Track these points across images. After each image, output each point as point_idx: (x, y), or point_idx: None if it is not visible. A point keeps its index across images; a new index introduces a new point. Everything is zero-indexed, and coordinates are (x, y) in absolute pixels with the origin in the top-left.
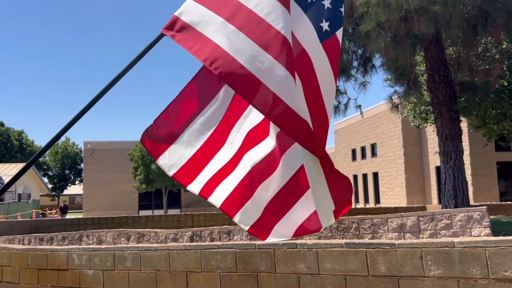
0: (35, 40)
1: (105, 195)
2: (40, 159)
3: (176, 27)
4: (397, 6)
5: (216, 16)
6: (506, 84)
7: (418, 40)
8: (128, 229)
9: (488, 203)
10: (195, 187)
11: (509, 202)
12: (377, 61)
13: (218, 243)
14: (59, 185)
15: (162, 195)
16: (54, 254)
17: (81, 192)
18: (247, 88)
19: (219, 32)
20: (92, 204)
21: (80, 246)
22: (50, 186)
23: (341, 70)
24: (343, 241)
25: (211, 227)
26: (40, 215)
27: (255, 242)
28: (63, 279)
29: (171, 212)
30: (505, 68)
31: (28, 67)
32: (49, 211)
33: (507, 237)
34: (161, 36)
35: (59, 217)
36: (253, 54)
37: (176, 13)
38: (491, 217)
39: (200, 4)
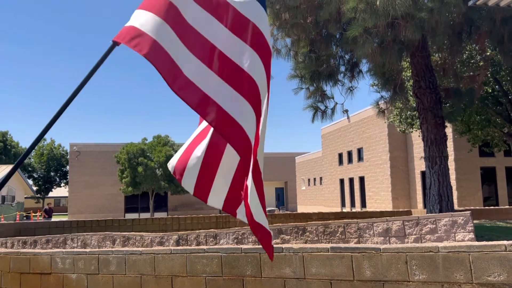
0: (19, 40)
1: (90, 197)
2: (25, 161)
3: (129, 35)
4: (384, 12)
5: (164, 23)
6: (490, 90)
7: (405, 46)
8: (114, 233)
9: (472, 208)
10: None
11: (492, 207)
12: (364, 66)
13: (204, 247)
14: (44, 187)
15: (149, 198)
16: (37, 258)
17: (66, 194)
18: (192, 96)
19: (171, 42)
20: (78, 207)
21: (64, 250)
22: (35, 188)
23: (328, 75)
24: (329, 245)
25: (197, 231)
26: (24, 218)
27: (241, 246)
28: (46, 283)
29: (158, 215)
30: (489, 75)
31: (13, 67)
32: (34, 214)
33: (490, 242)
34: (114, 44)
35: (44, 220)
36: (195, 64)
37: (127, 24)
38: (474, 221)
39: (149, 12)
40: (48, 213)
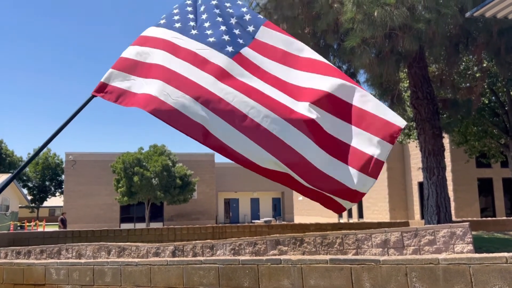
0: (12, 48)
1: (86, 207)
2: None
3: (105, 89)
4: (382, 23)
5: (135, 77)
6: (487, 102)
7: (402, 57)
8: (109, 243)
9: (470, 219)
10: None
11: (489, 218)
12: (362, 76)
13: (201, 258)
14: (39, 197)
15: (145, 208)
16: (31, 269)
17: (61, 204)
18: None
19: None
20: (73, 217)
21: (58, 260)
22: (29, 197)
23: None
24: (328, 257)
25: (194, 241)
26: (18, 228)
27: (238, 257)
28: None
29: (153, 225)
30: (486, 86)
31: (7, 75)
32: (28, 223)
33: (491, 254)
34: (92, 97)
35: (60, 229)
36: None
37: (102, 80)
38: (472, 233)
39: (121, 71)
40: (64, 223)
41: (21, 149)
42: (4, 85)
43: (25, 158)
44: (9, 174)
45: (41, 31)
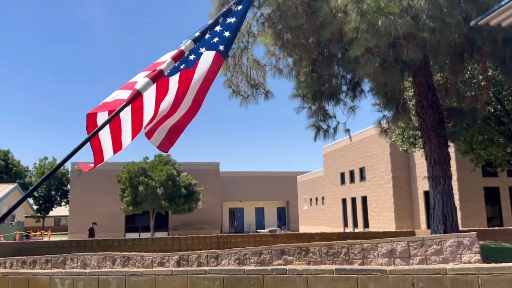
0: (21, 57)
1: (91, 217)
2: (26, 179)
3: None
4: (386, 32)
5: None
6: (492, 110)
7: (407, 66)
8: (114, 253)
9: (476, 228)
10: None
11: (496, 228)
12: (366, 86)
13: (206, 268)
14: (44, 206)
15: (150, 217)
16: (36, 278)
17: (66, 213)
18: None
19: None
20: (78, 226)
21: (63, 270)
22: (35, 207)
23: (330, 94)
24: (334, 267)
25: (198, 251)
26: (24, 237)
27: (243, 267)
28: None
29: (158, 235)
30: (491, 95)
31: (15, 86)
32: (33, 233)
33: (499, 264)
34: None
35: (89, 238)
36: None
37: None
38: (480, 242)
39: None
40: (92, 232)
41: (28, 159)
42: (11, 95)
43: (31, 168)
44: (15, 184)
45: (44, 39)
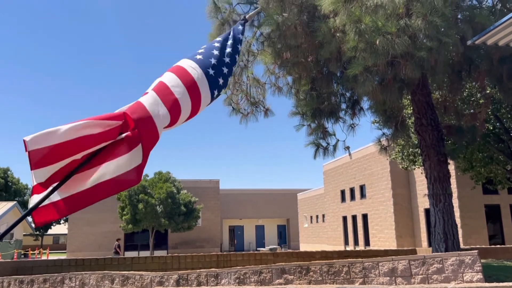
0: (20, 78)
1: (90, 235)
2: (25, 197)
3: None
4: (384, 51)
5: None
6: (491, 128)
7: (405, 84)
8: (113, 271)
9: (478, 246)
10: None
11: (498, 246)
12: (365, 103)
13: (206, 287)
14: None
15: (149, 235)
16: None
17: (65, 231)
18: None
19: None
20: (77, 245)
21: None
22: (33, 225)
23: (329, 112)
24: (335, 286)
25: (198, 270)
26: (22, 256)
27: (243, 287)
28: None
29: (158, 253)
30: (490, 112)
31: (15, 104)
32: (32, 251)
33: (502, 284)
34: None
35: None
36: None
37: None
38: (481, 261)
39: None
40: (118, 250)
41: (27, 177)
42: (9, 112)
43: (30, 185)
44: (14, 202)
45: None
